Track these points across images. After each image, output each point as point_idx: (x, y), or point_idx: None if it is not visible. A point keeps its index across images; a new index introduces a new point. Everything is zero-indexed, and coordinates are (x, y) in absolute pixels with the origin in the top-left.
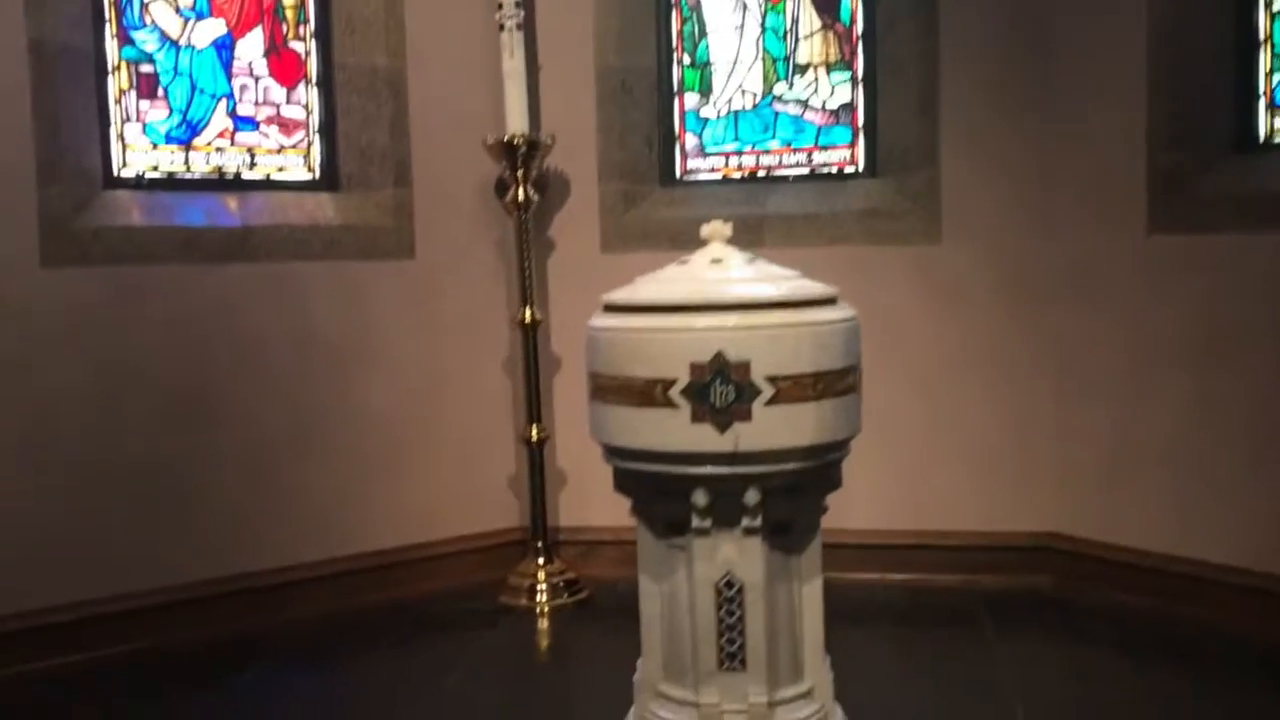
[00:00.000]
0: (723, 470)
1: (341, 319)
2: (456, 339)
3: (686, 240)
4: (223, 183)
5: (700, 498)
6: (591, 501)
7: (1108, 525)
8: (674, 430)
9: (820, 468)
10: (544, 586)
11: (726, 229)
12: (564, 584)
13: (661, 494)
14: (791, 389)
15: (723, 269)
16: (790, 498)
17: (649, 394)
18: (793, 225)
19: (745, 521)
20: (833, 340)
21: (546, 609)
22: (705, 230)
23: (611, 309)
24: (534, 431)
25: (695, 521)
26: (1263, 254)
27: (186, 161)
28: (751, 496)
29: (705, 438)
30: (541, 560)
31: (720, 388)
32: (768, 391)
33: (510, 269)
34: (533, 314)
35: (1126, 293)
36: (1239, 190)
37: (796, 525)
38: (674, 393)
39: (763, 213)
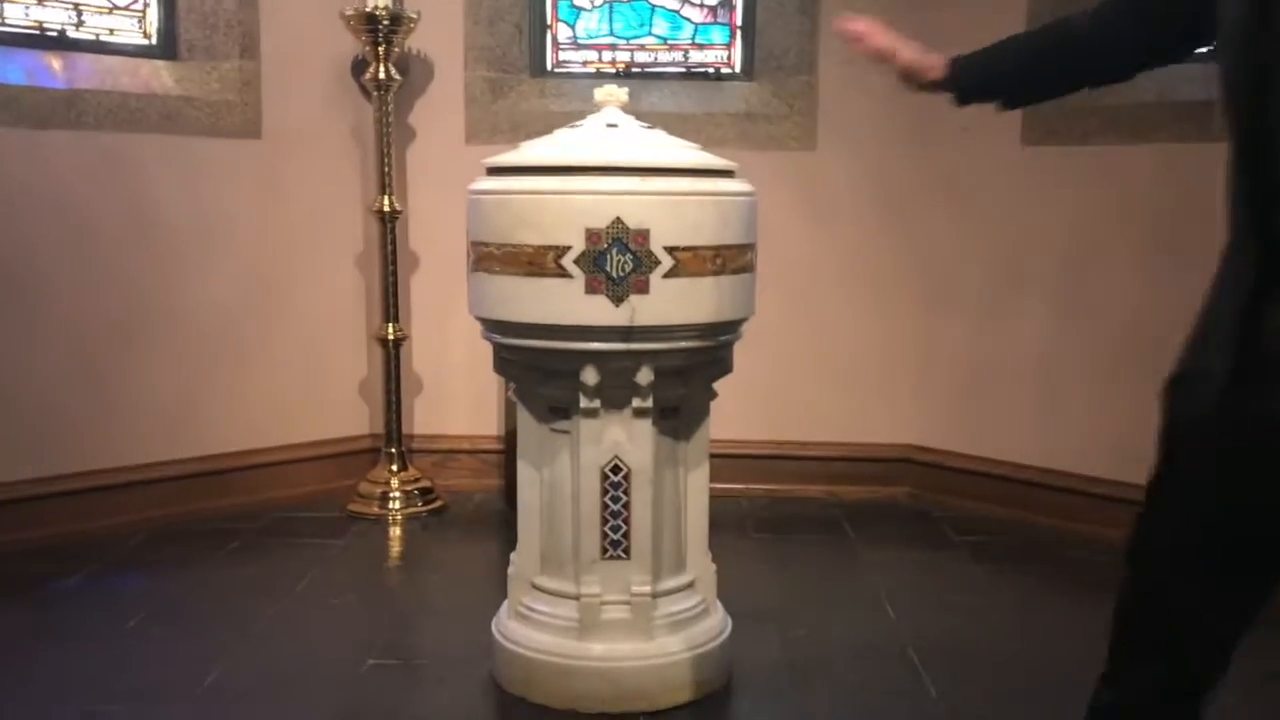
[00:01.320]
0: (616, 346)
1: (179, 200)
2: (306, 228)
3: None
4: (44, 39)
5: (590, 376)
6: (448, 409)
7: (967, 437)
8: (566, 302)
9: (714, 349)
10: (397, 494)
11: (622, 93)
12: (418, 492)
13: (547, 374)
14: (691, 261)
15: (620, 134)
16: (681, 379)
17: (539, 262)
18: (668, 125)
19: (636, 402)
20: (735, 214)
21: (399, 518)
22: (599, 94)
23: (497, 171)
24: (390, 330)
25: (583, 402)
26: (1134, 166)
27: (1, 12)
28: (644, 375)
29: (599, 310)
30: (395, 467)
31: (618, 257)
32: (666, 263)
33: (366, 155)
34: (391, 204)
35: (999, 205)
36: (1115, 101)
37: (685, 409)
38: (567, 261)
39: (636, 110)
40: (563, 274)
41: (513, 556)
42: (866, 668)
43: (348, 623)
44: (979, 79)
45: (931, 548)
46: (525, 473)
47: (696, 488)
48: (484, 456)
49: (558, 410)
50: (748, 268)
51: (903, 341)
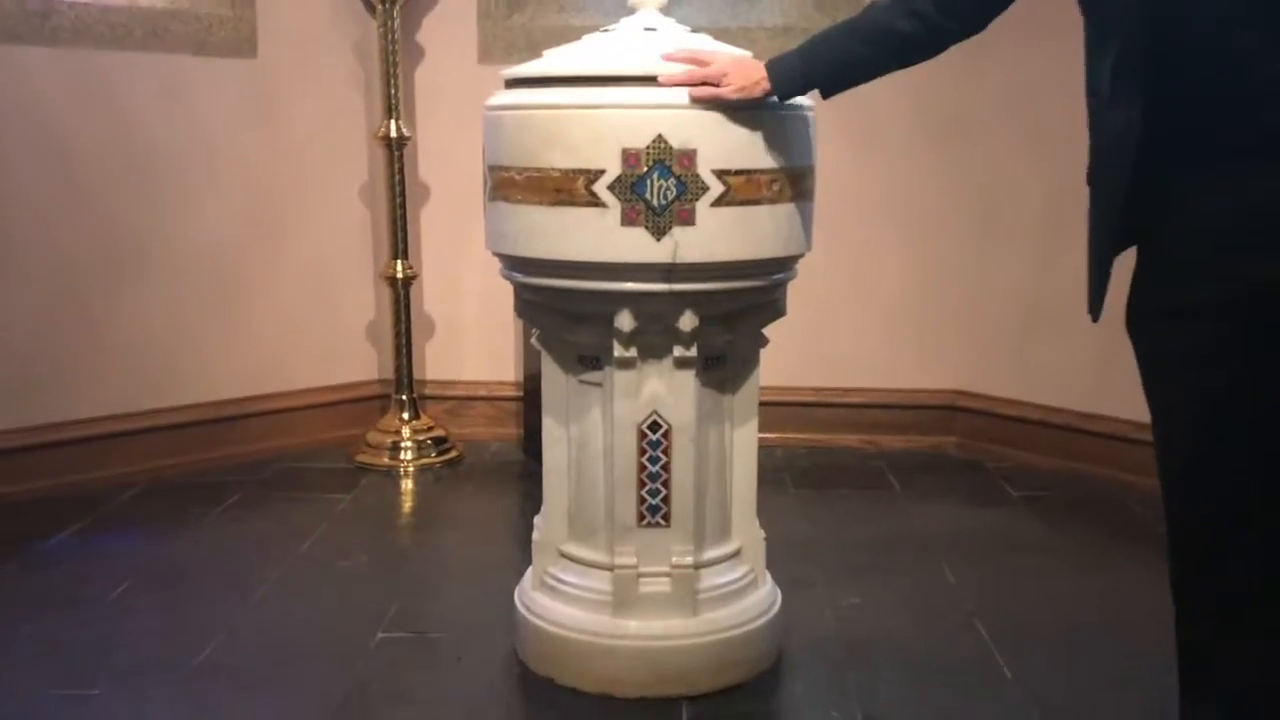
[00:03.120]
0: (656, 287)
1: (168, 125)
2: (307, 155)
3: None
4: None
5: (626, 321)
6: (463, 353)
7: (1020, 383)
8: (599, 235)
9: (766, 289)
10: (409, 444)
11: None
12: (431, 442)
13: (575, 319)
14: (744, 187)
15: (659, 39)
16: (728, 325)
17: (568, 189)
18: None
19: (677, 351)
20: (796, 131)
21: (411, 469)
22: None
23: (518, 84)
24: (399, 268)
25: (618, 351)
26: None
27: None
28: (688, 321)
29: (637, 245)
30: (406, 415)
31: (659, 182)
32: (716, 189)
33: (371, 76)
34: (398, 129)
35: (1062, 124)
36: None
37: (732, 358)
38: (600, 187)
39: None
40: (595, 202)
41: (537, 520)
42: (930, 643)
43: (356, 589)
44: (800, 89)
45: (985, 503)
46: (551, 429)
47: (744, 446)
48: (501, 404)
49: (587, 360)
50: (807, 194)
51: (951, 278)
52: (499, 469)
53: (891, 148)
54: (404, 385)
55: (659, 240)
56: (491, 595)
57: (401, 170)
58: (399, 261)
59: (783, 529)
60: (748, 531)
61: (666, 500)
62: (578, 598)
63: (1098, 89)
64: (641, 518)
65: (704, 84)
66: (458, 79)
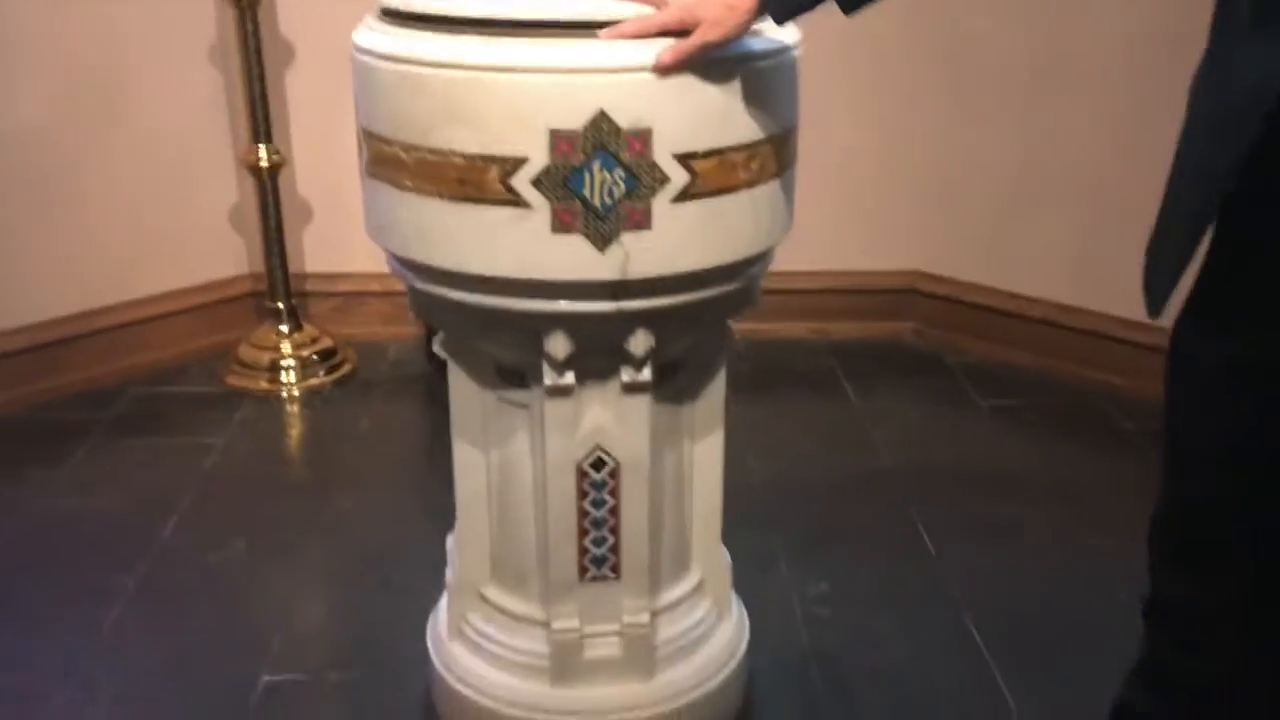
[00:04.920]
0: (600, 307)
1: None
2: (139, 11)
3: None
4: None
5: (559, 346)
6: (348, 240)
7: (988, 267)
8: (520, 244)
9: (740, 288)
10: (291, 362)
11: None
12: (317, 357)
13: (490, 330)
14: (715, 172)
15: None
16: (688, 326)
17: (476, 182)
18: None
19: (626, 375)
20: (781, 84)
21: (296, 393)
22: None
23: (398, 17)
24: (262, 154)
25: (549, 378)
26: None
27: None
28: (640, 343)
29: (574, 258)
30: (285, 328)
31: (602, 174)
32: (678, 179)
33: None
34: None
35: None
36: None
37: (692, 362)
38: (521, 181)
39: None
40: (515, 201)
41: (450, 547)
42: (918, 658)
43: (232, 602)
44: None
45: (953, 420)
46: (464, 453)
47: (706, 461)
48: (397, 299)
49: (509, 374)
50: (792, 159)
51: (913, 143)
52: (400, 384)
53: None
54: (279, 291)
55: (603, 251)
56: (405, 604)
57: (256, 32)
58: (262, 146)
59: (731, 467)
60: (710, 558)
61: (615, 549)
62: (507, 660)
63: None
64: (584, 570)
65: (663, 33)
66: None
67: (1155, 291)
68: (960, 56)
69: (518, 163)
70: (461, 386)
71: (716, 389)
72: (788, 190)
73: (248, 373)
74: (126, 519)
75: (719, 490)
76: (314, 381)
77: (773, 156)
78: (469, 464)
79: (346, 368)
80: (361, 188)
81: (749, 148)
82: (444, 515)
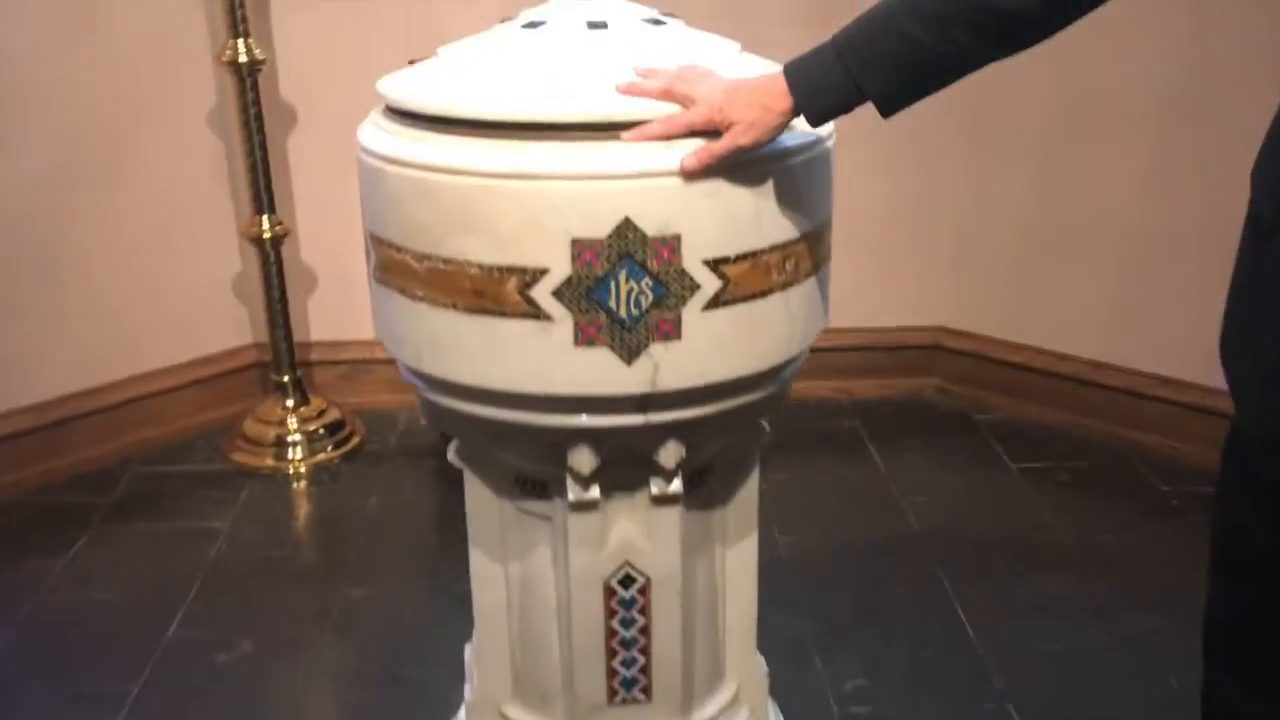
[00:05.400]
0: (627, 421)
1: None
2: (136, 74)
3: None
4: None
5: (584, 461)
6: (354, 308)
7: (1013, 322)
8: (541, 358)
9: (774, 390)
10: (297, 437)
11: None
12: (324, 431)
13: (509, 442)
14: (748, 276)
15: (615, 45)
16: (720, 431)
17: (494, 294)
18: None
19: (656, 488)
20: (814, 180)
21: (303, 469)
22: None
23: (403, 116)
24: (265, 225)
25: (573, 493)
26: None
27: None
28: (670, 454)
29: (599, 372)
30: (291, 402)
31: (629, 284)
32: (710, 286)
33: None
34: (249, 48)
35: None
36: None
37: (724, 465)
38: (541, 292)
39: None
40: (535, 314)
41: (468, 660)
42: None
43: (241, 707)
44: (843, 105)
45: (983, 482)
46: (481, 565)
47: (740, 568)
48: None
49: (529, 484)
50: (828, 254)
51: (933, 194)
52: (410, 457)
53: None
54: (284, 363)
55: (630, 364)
56: (418, 704)
57: (257, 99)
58: (264, 217)
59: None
60: (746, 667)
61: (646, 670)
62: None
63: None
64: (613, 693)
65: (690, 132)
66: None
67: (1266, 419)
68: (983, 106)
69: (538, 273)
70: (478, 494)
71: (749, 490)
72: (823, 286)
73: (253, 449)
74: (129, 615)
75: (754, 597)
76: (321, 457)
77: (807, 254)
78: (487, 576)
79: (354, 440)
80: (369, 291)
81: (783, 248)
82: (457, 604)
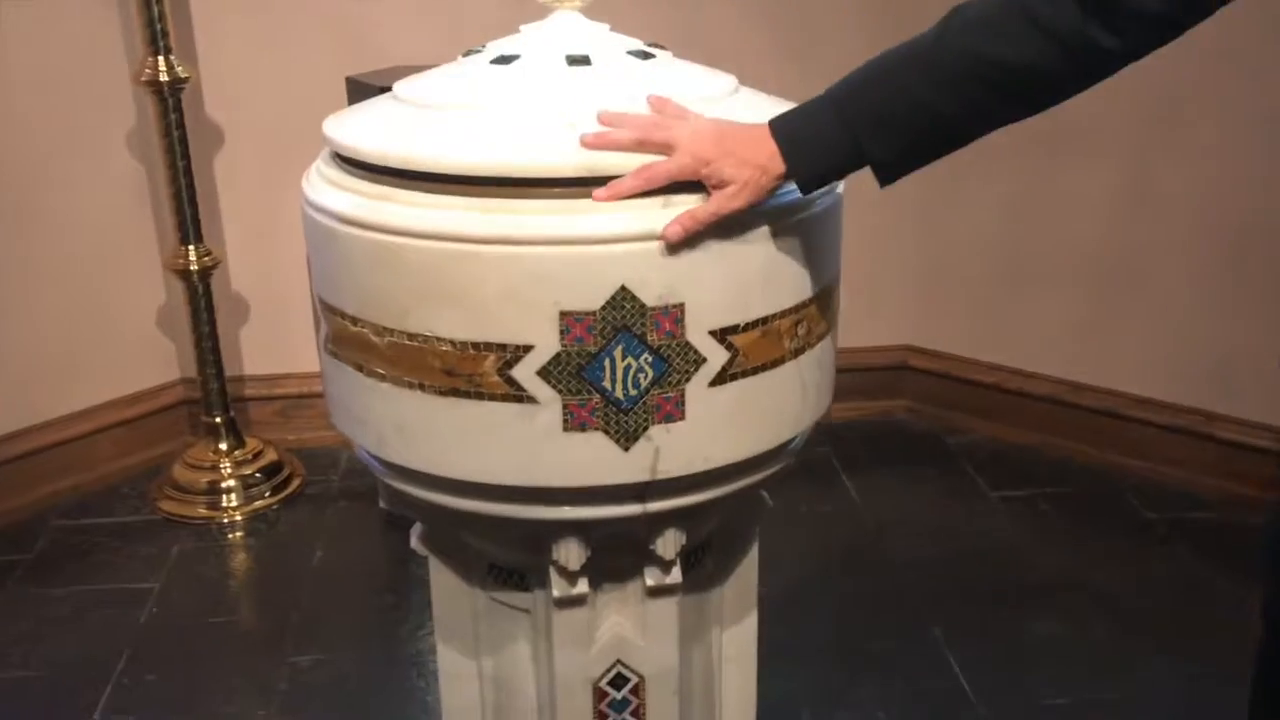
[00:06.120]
0: (623, 511)
1: None
2: (46, 96)
3: None
4: None
5: (571, 555)
6: (289, 337)
7: (984, 340)
8: (525, 446)
9: (783, 465)
10: (232, 483)
11: None
12: (260, 474)
13: (483, 531)
14: (759, 345)
15: (599, 81)
16: (721, 510)
17: (469, 372)
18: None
19: (652, 579)
20: (827, 233)
21: (239, 518)
22: None
23: (356, 165)
24: (191, 256)
25: (559, 589)
26: None
27: None
28: (669, 544)
29: (592, 460)
30: (224, 445)
31: (626, 361)
32: (716, 359)
33: None
34: (170, 66)
35: None
36: None
37: (720, 540)
38: (525, 372)
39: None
40: (518, 395)
41: None
42: None
43: None
44: (840, 170)
45: (963, 513)
46: (449, 660)
47: (739, 650)
48: None
49: (504, 573)
50: (836, 314)
51: (899, 210)
52: (354, 500)
53: (835, 49)
54: (216, 404)
55: (627, 450)
56: None
57: (181, 121)
58: (190, 247)
59: None
60: None
61: None
62: None
63: None
64: None
65: (671, 183)
66: None
67: None
68: None
69: (520, 350)
70: (445, 583)
71: (749, 566)
72: (834, 347)
73: (184, 498)
74: (49, 696)
75: (754, 678)
76: (259, 504)
77: (820, 315)
78: (456, 674)
79: (294, 484)
80: (319, 362)
81: (796, 311)
82: (413, 668)
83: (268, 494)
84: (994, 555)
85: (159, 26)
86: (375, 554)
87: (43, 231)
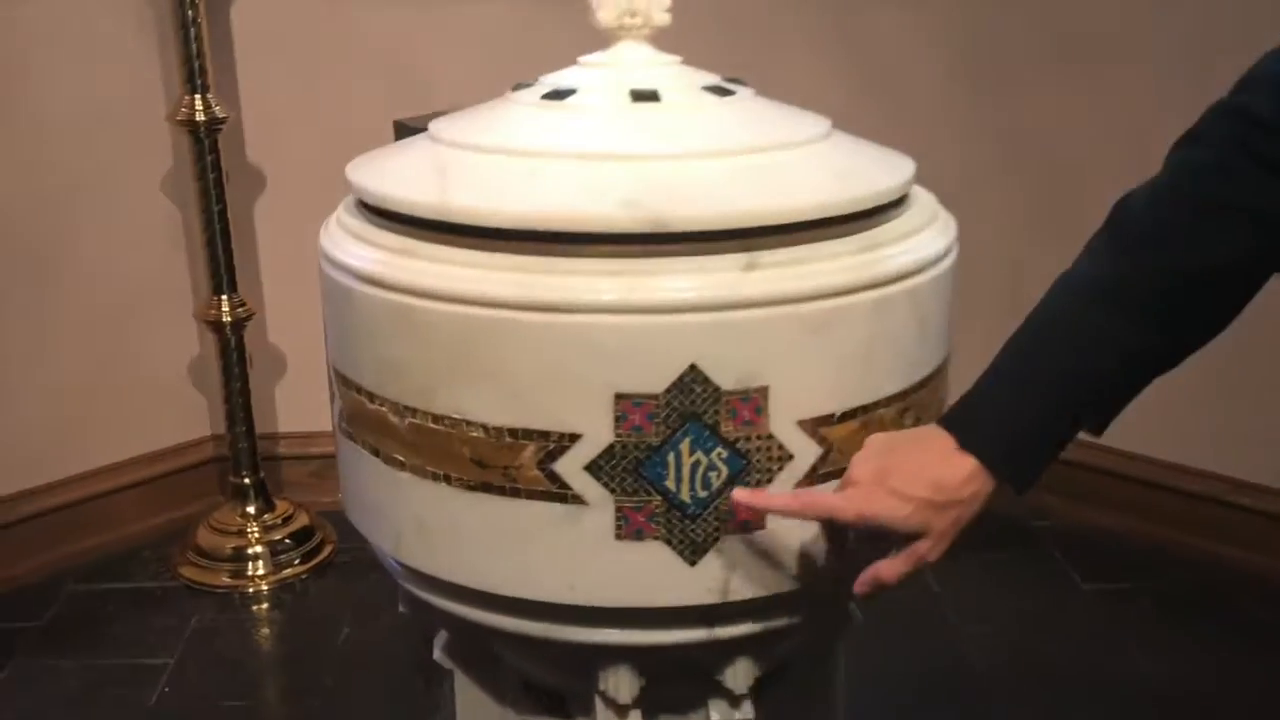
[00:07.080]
0: (686, 636)
1: None
2: (77, 135)
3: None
4: None
5: (622, 685)
6: (325, 393)
7: None
8: (569, 555)
9: None
10: (259, 549)
11: (660, 7)
12: (290, 539)
13: (519, 649)
14: (856, 441)
15: (668, 121)
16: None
17: (504, 464)
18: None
19: (719, 713)
20: (936, 302)
21: (266, 589)
22: (603, 9)
23: (380, 214)
24: (224, 306)
25: None
26: None
27: None
28: (741, 676)
29: (650, 575)
30: (252, 509)
31: (694, 456)
32: (806, 455)
33: (165, 28)
34: (206, 105)
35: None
36: None
37: (799, 665)
38: (569, 466)
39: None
40: (560, 494)
41: None
42: None
43: None
44: (1051, 454)
45: (1049, 599)
46: None
47: None
48: None
49: (542, 696)
50: (945, 399)
51: (978, 260)
52: (386, 574)
53: (912, 84)
54: (244, 464)
55: (694, 564)
56: None
57: (217, 163)
58: (224, 298)
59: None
60: None
61: None
62: None
63: None
64: None
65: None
66: (295, 22)
67: None
68: (1052, 187)
69: (566, 439)
70: (472, 700)
71: (834, 695)
72: None
73: (207, 564)
74: None
75: None
76: (287, 572)
77: (928, 403)
78: None
79: (325, 551)
80: (334, 444)
81: (902, 398)
82: None
83: (297, 561)
84: (1088, 657)
85: (196, 64)
86: (406, 631)
87: (71, 277)
